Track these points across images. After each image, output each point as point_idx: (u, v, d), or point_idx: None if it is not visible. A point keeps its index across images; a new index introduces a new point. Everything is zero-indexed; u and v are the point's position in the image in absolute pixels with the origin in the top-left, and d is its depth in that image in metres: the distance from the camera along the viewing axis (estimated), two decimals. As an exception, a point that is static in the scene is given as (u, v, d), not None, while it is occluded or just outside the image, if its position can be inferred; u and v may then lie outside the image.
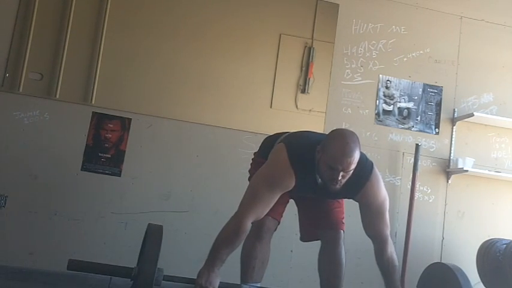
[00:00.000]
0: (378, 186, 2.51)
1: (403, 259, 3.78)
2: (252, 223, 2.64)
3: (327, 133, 2.52)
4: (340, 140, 2.36)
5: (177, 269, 3.62)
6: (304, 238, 2.85)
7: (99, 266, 2.46)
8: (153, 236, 2.42)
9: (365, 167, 2.47)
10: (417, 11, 4.22)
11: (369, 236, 2.58)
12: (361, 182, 2.46)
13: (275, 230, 2.74)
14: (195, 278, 2.36)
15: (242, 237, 2.40)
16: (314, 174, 2.45)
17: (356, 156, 2.33)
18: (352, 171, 2.36)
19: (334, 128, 2.56)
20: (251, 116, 3.85)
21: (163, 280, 2.38)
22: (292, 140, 2.57)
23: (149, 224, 2.57)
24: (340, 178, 2.34)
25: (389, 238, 2.57)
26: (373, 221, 2.54)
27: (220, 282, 2.36)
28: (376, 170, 2.53)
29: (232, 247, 2.39)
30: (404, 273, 3.78)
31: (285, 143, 2.51)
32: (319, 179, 2.47)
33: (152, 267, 2.28)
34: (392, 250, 2.56)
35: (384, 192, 2.54)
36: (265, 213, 2.46)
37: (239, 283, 2.62)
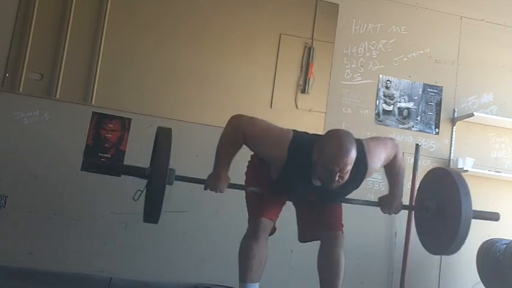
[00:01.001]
0: (377, 156, 2.56)
1: (403, 259, 3.78)
2: (248, 223, 2.65)
3: None
4: (336, 140, 2.36)
5: (177, 269, 3.64)
6: (302, 239, 2.85)
7: (113, 165, 2.54)
8: (163, 138, 2.51)
9: (360, 154, 2.42)
10: (417, 11, 4.22)
11: None
12: (362, 169, 2.47)
13: (273, 231, 2.74)
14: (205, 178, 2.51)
15: (239, 134, 2.50)
16: (309, 172, 2.46)
17: (352, 157, 2.33)
18: (348, 173, 2.35)
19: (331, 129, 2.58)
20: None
21: (175, 180, 2.50)
22: (301, 133, 2.60)
23: (159, 127, 2.65)
24: (337, 179, 2.34)
25: (401, 149, 2.67)
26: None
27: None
28: (367, 142, 2.54)
29: (232, 148, 2.53)
30: (405, 272, 3.78)
31: (294, 131, 2.56)
32: (317, 181, 2.47)
33: (164, 166, 2.39)
34: (402, 157, 2.68)
35: (384, 149, 2.60)
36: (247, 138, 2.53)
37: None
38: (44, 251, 3.50)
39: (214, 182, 2.55)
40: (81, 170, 3.61)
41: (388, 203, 2.73)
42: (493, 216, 2.93)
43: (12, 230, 3.50)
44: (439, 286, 3.96)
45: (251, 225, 2.65)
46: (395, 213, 2.79)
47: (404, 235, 3.83)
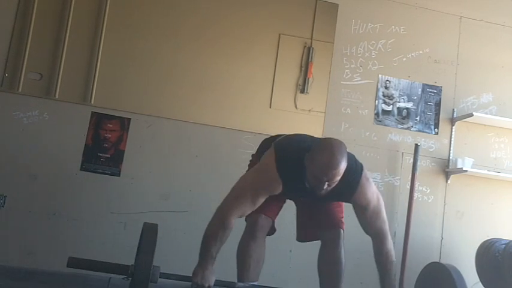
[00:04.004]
0: (369, 189, 2.52)
1: (402, 259, 3.79)
2: (246, 221, 2.66)
3: (322, 137, 2.52)
4: (327, 151, 2.35)
5: (176, 269, 3.64)
6: (301, 238, 2.85)
7: (97, 263, 2.51)
8: (148, 234, 2.45)
9: (355, 172, 2.47)
10: (417, 11, 4.22)
11: (368, 234, 2.59)
12: (352, 187, 2.47)
13: (272, 230, 2.74)
14: (191, 275, 2.39)
15: (228, 232, 2.43)
16: (303, 179, 2.45)
17: (342, 168, 2.33)
18: (337, 182, 2.36)
19: (325, 138, 2.58)
20: (250, 116, 3.85)
21: (159, 278, 2.41)
22: (283, 144, 2.58)
23: (145, 223, 2.60)
24: (325, 187, 2.35)
25: (389, 234, 2.59)
26: (371, 221, 2.55)
27: (215, 279, 2.40)
28: (366, 172, 2.53)
29: (221, 243, 2.42)
30: (403, 273, 3.78)
31: (275, 148, 2.53)
32: (308, 185, 2.48)
33: (148, 265, 2.32)
34: (391, 246, 2.59)
35: (376, 192, 2.55)
36: (249, 212, 2.49)
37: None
38: (44, 251, 3.50)
39: (203, 279, 2.40)
40: (81, 169, 3.62)
41: None
42: None
43: (12, 230, 3.50)
44: (438, 286, 3.97)
45: (249, 224, 2.66)
46: None
47: (403, 235, 3.84)
